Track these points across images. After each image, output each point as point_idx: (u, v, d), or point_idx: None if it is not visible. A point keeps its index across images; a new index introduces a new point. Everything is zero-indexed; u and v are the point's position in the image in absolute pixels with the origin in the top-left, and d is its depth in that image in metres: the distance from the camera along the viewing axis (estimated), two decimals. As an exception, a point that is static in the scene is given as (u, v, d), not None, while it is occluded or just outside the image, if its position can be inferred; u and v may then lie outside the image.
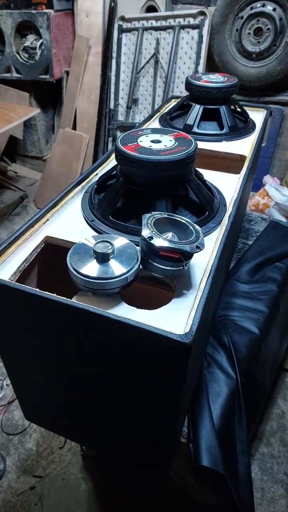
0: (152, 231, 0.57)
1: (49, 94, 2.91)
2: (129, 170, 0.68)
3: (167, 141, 0.72)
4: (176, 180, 0.70)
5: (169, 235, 0.60)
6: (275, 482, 1.42)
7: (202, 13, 2.23)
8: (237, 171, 0.96)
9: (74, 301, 0.54)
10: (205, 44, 2.27)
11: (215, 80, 1.14)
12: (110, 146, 2.80)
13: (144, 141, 0.72)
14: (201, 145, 1.09)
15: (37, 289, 0.54)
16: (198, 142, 1.08)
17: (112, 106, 2.66)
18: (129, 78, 2.57)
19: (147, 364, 0.54)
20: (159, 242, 0.55)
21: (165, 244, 0.55)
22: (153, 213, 0.62)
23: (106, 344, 0.55)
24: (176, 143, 0.72)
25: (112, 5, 2.44)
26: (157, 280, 0.63)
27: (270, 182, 2.10)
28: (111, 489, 1.33)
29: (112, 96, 2.64)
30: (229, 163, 1.08)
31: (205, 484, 0.89)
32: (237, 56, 2.34)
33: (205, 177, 0.89)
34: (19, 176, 3.20)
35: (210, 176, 0.92)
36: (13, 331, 0.65)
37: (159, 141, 0.72)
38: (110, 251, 0.56)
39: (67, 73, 2.68)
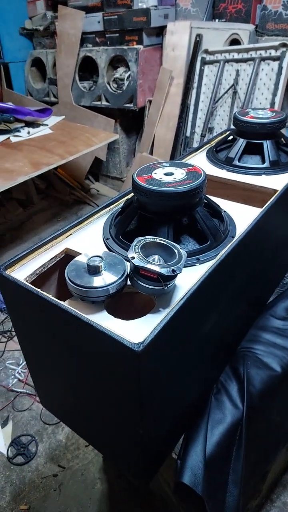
0: (137, 253, 0.65)
1: (133, 121, 3.16)
2: (139, 198, 0.78)
3: (179, 174, 0.80)
4: (180, 209, 0.77)
5: (155, 257, 0.67)
6: (295, 536, 1.32)
7: (284, 45, 2.24)
8: (267, 205, 0.98)
9: (63, 303, 0.64)
10: (284, 75, 2.26)
11: (262, 115, 1.17)
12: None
13: (158, 173, 0.81)
14: (239, 177, 1.13)
15: (38, 289, 0.66)
16: (237, 174, 1.14)
17: (188, 133, 2.79)
18: (207, 108, 2.67)
19: (110, 365, 0.62)
20: (140, 262, 0.63)
21: (144, 265, 0.63)
22: (146, 237, 0.70)
23: (84, 342, 0.65)
24: (186, 176, 0.79)
25: (197, 39, 2.59)
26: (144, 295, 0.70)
27: None
28: (122, 494, 1.39)
29: (189, 124, 2.77)
30: (264, 197, 1.10)
31: (185, 502, 0.91)
32: None
33: (231, 210, 0.94)
34: (100, 194, 3.50)
35: (237, 209, 0.96)
36: (23, 323, 0.78)
37: (171, 174, 0.80)
38: (99, 265, 0.66)
39: (150, 102, 2.89)
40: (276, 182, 1.09)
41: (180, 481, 0.82)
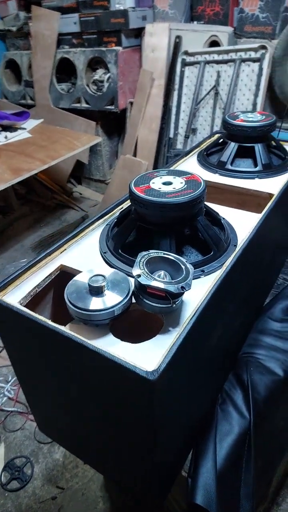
0: (142, 270, 0.62)
1: (114, 123, 3.11)
2: (138, 209, 0.74)
3: (177, 183, 0.77)
4: (181, 220, 0.74)
5: (161, 273, 0.64)
6: (301, 539, 1.31)
7: (263, 47, 2.25)
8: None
9: (65, 328, 0.60)
10: (265, 76, 2.27)
11: (252, 118, 1.16)
12: (167, 173, 2.89)
13: (156, 183, 0.77)
14: (233, 181, 1.11)
15: (34, 314, 0.61)
16: (230, 178, 1.12)
17: (171, 135, 2.77)
18: (189, 109, 2.66)
19: (120, 394, 0.58)
20: (146, 280, 0.60)
21: (151, 283, 0.59)
22: (150, 251, 0.66)
23: (89, 370, 0.60)
24: (186, 185, 0.76)
25: (177, 41, 2.57)
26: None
27: None
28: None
29: (172, 125, 2.75)
30: (259, 201, 1.09)
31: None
32: (299, 86, 2.30)
33: (229, 216, 0.91)
34: (83, 197, 3.44)
35: (234, 215, 0.94)
36: (20, 348, 0.73)
37: (170, 183, 0.77)
38: (102, 284, 0.62)
39: (131, 103, 2.85)
40: (270, 185, 1.07)
41: (194, 502, 0.79)
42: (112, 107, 2.83)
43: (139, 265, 0.62)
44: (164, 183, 0.77)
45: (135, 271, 0.61)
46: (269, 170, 1.13)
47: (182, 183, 0.77)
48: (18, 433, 1.60)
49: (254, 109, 2.36)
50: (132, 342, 0.60)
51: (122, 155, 2.91)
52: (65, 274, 0.78)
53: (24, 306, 0.68)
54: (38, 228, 3.09)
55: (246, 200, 1.12)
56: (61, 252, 0.80)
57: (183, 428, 0.78)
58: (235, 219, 0.92)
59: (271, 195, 1.03)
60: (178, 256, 0.65)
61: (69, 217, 3.22)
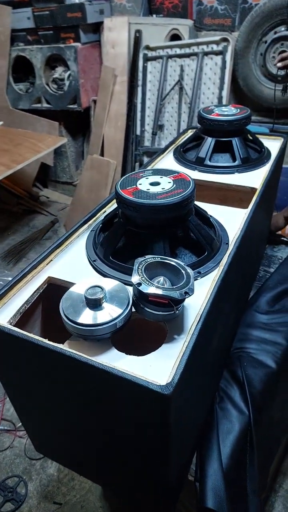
0: (142, 277, 0.59)
1: (78, 122, 3.04)
2: (127, 213, 0.71)
3: (165, 183, 0.74)
4: (173, 221, 0.71)
5: (161, 279, 0.61)
6: (300, 522, 1.34)
7: (224, 40, 2.26)
8: (247, 204, 0.96)
9: (64, 347, 0.56)
10: (229, 69, 2.29)
11: (227, 112, 1.15)
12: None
13: (143, 183, 0.74)
14: (213, 177, 1.09)
15: (29, 334, 0.57)
16: (210, 174, 1.11)
17: (138, 132, 2.73)
18: (154, 105, 2.64)
19: (132, 410, 0.55)
20: (148, 288, 0.56)
21: (153, 290, 0.56)
22: (146, 257, 0.63)
23: (94, 388, 0.57)
24: (174, 185, 0.73)
25: (137, 35, 2.54)
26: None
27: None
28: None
29: (138, 122, 2.72)
30: (241, 195, 1.08)
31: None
32: (262, 79, 2.34)
33: (213, 213, 0.90)
34: (50, 201, 3.35)
35: (218, 211, 0.92)
36: (15, 371, 0.68)
37: (158, 184, 0.74)
38: (100, 296, 0.58)
39: (95, 102, 2.79)
40: (251, 179, 1.07)
41: (205, 506, 0.77)
42: (75, 106, 2.75)
43: (138, 272, 0.59)
44: (152, 184, 0.74)
45: (135, 279, 0.58)
46: (247, 164, 1.12)
47: (170, 182, 0.74)
48: (7, 452, 1.53)
49: (220, 103, 2.37)
50: (133, 354, 0.57)
51: (89, 155, 2.85)
52: (53, 287, 0.74)
53: (14, 325, 0.64)
54: (6, 237, 2.97)
55: (228, 196, 1.11)
56: (47, 264, 0.76)
57: (190, 434, 0.76)
58: (221, 216, 0.91)
59: (253, 190, 1.03)
60: (176, 260, 0.63)
61: (37, 223, 3.12)
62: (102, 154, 2.86)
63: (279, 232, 1.69)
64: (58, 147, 2.82)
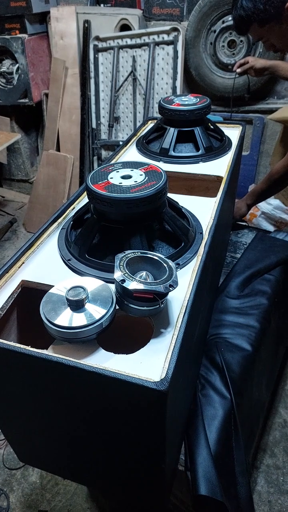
0: (124, 273, 0.57)
1: (30, 117, 2.92)
2: (101, 208, 0.69)
3: (137, 176, 0.73)
4: (149, 215, 0.70)
5: (143, 274, 0.60)
6: (282, 494, 1.40)
7: (175, 29, 2.26)
8: (214, 193, 0.97)
9: (49, 352, 0.53)
10: (181, 59, 2.29)
11: (187, 102, 1.15)
12: (95, 165, 2.81)
13: (115, 177, 0.72)
14: (179, 168, 1.09)
15: (9, 342, 0.53)
16: (175, 165, 1.10)
17: (94, 125, 2.68)
18: (108, 97, 2.59)
19: (126, 410, 0.54)
20: (132, 284, 0.55)
21: (138, 286, 0.55)
22: (126, 252, 0.62)
23: (85, 392, 0.55)
24: (146, 177, 0.72)
25: (86, 25, 2.47)
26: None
27: (254, 191, 2.10)
28: (116, 517, 1.31)
29: (94, 115, 2.66)
30: (207, 184, 1.09)
31: (206, 511, 0.88)
32: (214, 68, 2.37)
33: (182, 203, 0.90)
34: (6, 200, 3.21)
35: (187, 201, 0.92)
36: (-6, 382, 0.64)
37: (129, 177, 0.73)
38: (83, 297, 0.56)
39: (47, 95, 2.70)
40: (215, 168, 1.08)
41: (199, 494, 0.78)
42: (26, 100, 2.64)
43: (120, 268, 0.58)
44: (124, 177, 0.72)
45: (117, 275, 0.57)
46: (211, 153, 1.13)
47: (142, 175, 0.73)
48: (-16, 465, 1.46)
49: (174, 93, 2.38)
50: (120, 352, 0.56)
51: (44, 151, 2.76)
52: (27, 290, 0.71)
53: (-8, 335, 0.60)
54: None
55: (194, 185, 1.12)
56: (19, 267, 0.72)
57: (179, 424, 0.76)
58: (191, 206, 0.91)
59: (219, 178, 1.04)
60: (157, 254, 0.62)
61: (-5, 224, 2.98)
62: (58, 149, 2.78)
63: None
64: (11, 144, 2.70)
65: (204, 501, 0.82)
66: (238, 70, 1.57)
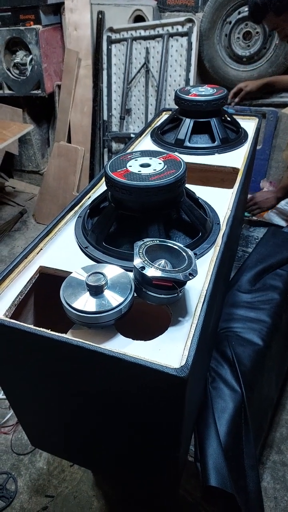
0: (144, 260, 0.57)
1: (42, 109, 2.92)
2: (119, 196, 0.68)
3: (156, 164, 0.72)
4: (167, 203, 0.70)
5: (162, 262, 0.60)
6: (288, 490, 1.40)
7: (190, 20, 2.23)
8: (230, 184, 0.96)
9: (69, 336, 0.54)
10: (195, 51, 2.27)
11: (204, 92, 1.14)
12: (106, 158, 2.80)
13: (134, 165, 0.72)
14: (194, 159, 1.09)
15: (31, 326, 0.54)
16: (190, 156, 1.10)
17: (105, 117, 2.67)
18: (121, 89, 2.57)
19: (144, 396, 0.54)
20: (151, 271, 0.55)
21: (158, 273, 0.55)
22: (145, 240, 0.62)
23: (103, 377, 0.55)
24: (165, 166, 0.71)
25: (100, 17, 2.45)
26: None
27: (267, 187, 2.09)
28: (123, 505, 1.32)
29: (105, 107, 2.65)
30: (223, 176, 1.08)
31: (215, 503, 0.88)
32: (228, 61, 2.34)
33: (198, 194, 0.89)
34: (17, 191, 3.22)
35: (203, 192, 0.92)
36: (11, 365, 0.65)
37: (148, 165, 0.72)
38: (103, 283, 0.56)
39: (59, 87, 2.69)
40: (231, 160, 1.07)
41: (209, 485, 0.79)
42: (39, 91, 2.63)
43: (139, 255, 0.58)
44: (142, 165, 0.72)
45: (137, 262, 0.57)
46: (227, 144, 1.13)
47: (160, 163, 0.73)
48: (-7, 450, 1.48)
49: (187, 85, 2.35)
50: (136, 339, 0.56)
51: (55, 143, 2.75)
52: (45, 276, 0.71)
53: (10, 317, 0.60)
54: (-28, 230, 2.83)
55: (209, 177, 1.11)
56: (37, 253, 0.72)
57: (193, 414, 0.76)
58: (207, 197, 0.90)
59: (235, 170, 1.03)
60: (175, 242, 0.62)
61: (5, 214, 2.99)
62: (69, 141, 2.77)
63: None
64: (23, 135, 2.71)
65: (213, 493, 0.83)
66: (236, 100, 1.61)
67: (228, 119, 1.20)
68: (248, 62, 2.29)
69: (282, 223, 2.05)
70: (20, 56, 2.58)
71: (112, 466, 0.81)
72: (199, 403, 0.91)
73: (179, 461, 0.64)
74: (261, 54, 2.23)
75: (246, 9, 2.15)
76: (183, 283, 0.57)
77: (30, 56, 2.54)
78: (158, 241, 0.62)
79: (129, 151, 1.12)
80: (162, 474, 0.72)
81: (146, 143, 1.20)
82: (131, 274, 0.61)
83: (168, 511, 1.17)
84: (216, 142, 1.12)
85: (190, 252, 0.60)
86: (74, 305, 0.55)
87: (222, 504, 0.88)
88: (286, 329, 1.34)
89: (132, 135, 2.61)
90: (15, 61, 2.60)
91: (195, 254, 0.70)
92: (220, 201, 0.89)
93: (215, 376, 1.03)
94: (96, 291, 0.56)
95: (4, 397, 1.50)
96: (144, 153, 0.77)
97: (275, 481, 1.41)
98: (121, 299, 0.56)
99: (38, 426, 0.81)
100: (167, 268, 0.58)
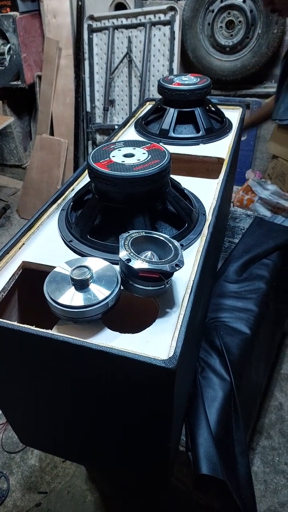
0: (129, 252, 0.56)
1: (23, 100, 2.86)
2: (103, 187, 0.67)
3: (140, 154, 0.71)
4: (152, 194, 0.69)
5: (148, 254, 0.59)
6: (277, 473, 1.43)
7: (172, 9, 2.20)
8: (215, 175, 0.95)
9: (54, 332, 0.52)
10: (178, 40, 2.24)
11: (188, 81, 1.12)
12: (90, 150, 2.77)
13: (117, 156, 0.71)
14: (179, 149, 1.07)
15: (15, 323, 0.52)
16: (175, 146, 1.08)
17: (88, 108, 2.63)
18: (103, 79, 2.53)
19: (133, 389, 0.54)
20: (138, 264, 0.54)
21: (144, 265, 0.54)
22: (130, 232, 0.61)
23: (91, 372, 0.54)
24: (150, 156, 0.70)
25: (80, 4, 2.40)
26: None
27: (252, 177, 2.10)
28: (116, 498, 1.33)
29: (88, 98, 2.61)
30: (208, 166, 1.08)
31: (207, 490, 0.89)
32: (211, 50, 2.32)
33: (183, 185, 0.88)
34: None
35: (189, 183, 0.91)
36: (-4, 364, 0.63)
37: (132, 155, 0.71)
38: (88, 276, 0.55)
39: (40, 77, 2.63)
40: (216, 150, 1.07)
41: (200, 473, 0.79)
42: (19, 82, 2.57)
43: (125, 247, 0.57)
44: (126, 156, 0.71)
45: (122, 254, 0.56)
46: (211, 134, 1.12)
47: (144, 153, 0.71)
48: (-17, 449, 1.47)
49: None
50: (124, 333, 0.55)
51: (37, 135, 2.70)
52: (28, 272, 0.69)
53: (-6, 316, 0.59)
54: None
55: (194, 167, 1.10)
56: (19, 248, 0.70)
57: (182, 405, 0.76)
58: (192, 187, 0.89)
59: (220, 160, 1.02)
60: (161, 234, 0.61)
61: (-11, 210, 2.93)
62: (51, 134, 2.73)
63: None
64: (3, 128, 2.64)
65: (205, 481, 0.83)
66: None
67: (213, 109, 1.19)
68: (231, 52, 2.27)
69: (267, 213, 2.06)
70: (-2, 46, 2.51)
71: (105, 459, 0.81)
72: (189, 393, 0.91)
73: (171, 451, 0.64)
74: (244, 43, 2.22)
75: (228, -4, 2.14)
76: (170, 274, 0.56)
77: (8, 45, 2.47)
78: (143, 233, 0.61)
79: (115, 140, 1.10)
80: (154, 464, 0.73)
81: (130, 133, 1.18)
82: (117, 267, 0.60)
83: (161, 501, 1.18)
84: (200, 132, 1.11)
85: (177, 243, 0.60)
86: (58, 300, 0.53)
87: (214, 491, 0.89)
88: (272, 318, 1.35)
89: (116, 127, 2.58)
90: (-7, 51, 2.53)
91: (181, 245, 0.70)
92: (206, 191, 0.88)
93: (204, 366, 1.03)
94: (81, 285, 0.55)
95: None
96: (128, 143, 0.76)
97: (265, 465, 1.44)
98: (107, 293, 0.55)
99: (27, 424, 0.80)
100: (153, 260, 0.57)
